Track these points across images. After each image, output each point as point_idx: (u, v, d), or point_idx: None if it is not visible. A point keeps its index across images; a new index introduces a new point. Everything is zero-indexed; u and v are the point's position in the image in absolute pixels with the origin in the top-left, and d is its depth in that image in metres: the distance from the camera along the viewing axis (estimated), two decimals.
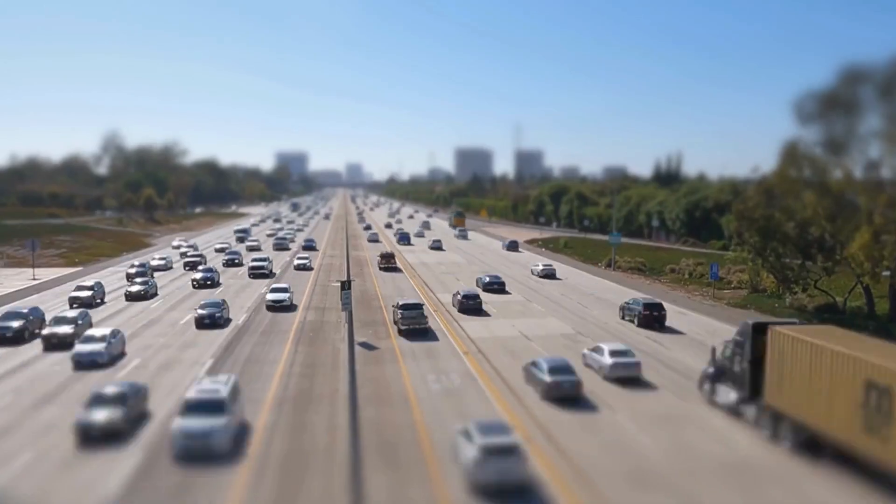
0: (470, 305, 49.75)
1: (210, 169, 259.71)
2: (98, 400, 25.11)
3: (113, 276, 71.04)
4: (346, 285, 41.22)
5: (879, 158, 44.94)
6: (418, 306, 43.75)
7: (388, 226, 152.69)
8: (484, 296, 54.08)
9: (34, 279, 67.82)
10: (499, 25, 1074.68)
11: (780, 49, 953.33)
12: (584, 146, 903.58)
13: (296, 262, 77.69)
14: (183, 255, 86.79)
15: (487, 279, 61.68)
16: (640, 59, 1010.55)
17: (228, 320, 46.15)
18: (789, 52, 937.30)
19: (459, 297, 50.82)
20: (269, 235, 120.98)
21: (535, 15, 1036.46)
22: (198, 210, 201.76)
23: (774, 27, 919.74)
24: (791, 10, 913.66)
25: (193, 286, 61.73)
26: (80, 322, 40.42)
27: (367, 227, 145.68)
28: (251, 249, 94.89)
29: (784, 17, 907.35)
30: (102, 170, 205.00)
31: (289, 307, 50.54)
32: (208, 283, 62.35)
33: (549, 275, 70.65)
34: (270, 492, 20.70)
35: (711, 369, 29.17)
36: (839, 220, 45.84)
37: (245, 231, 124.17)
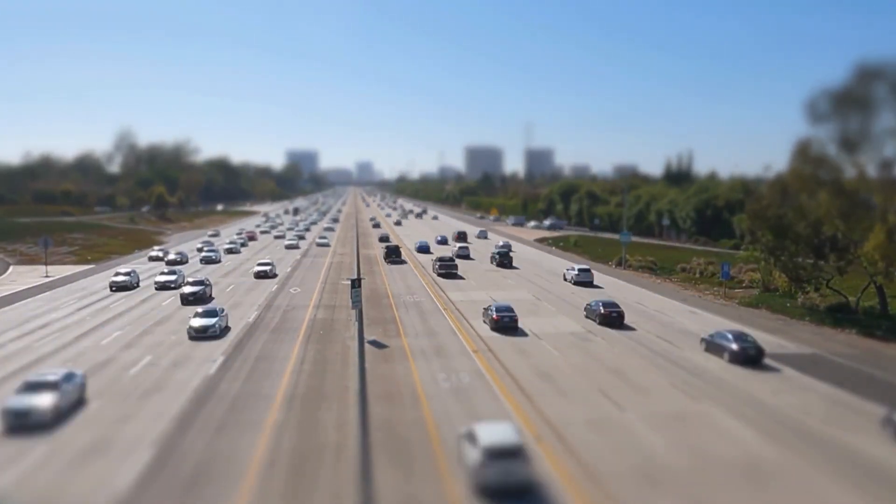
0: None
1: (221, 167, 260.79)
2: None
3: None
4: (355, 283, 41.24)
5: (894, 157, 44.56)
6: None
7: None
8: None
9: (47, 276, 68.32)
10: (509, 25, 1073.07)
11: (791, 48, 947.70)
12: (594, 145, 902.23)
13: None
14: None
15: None
16: (650, 58, 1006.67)
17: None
18: (800, 50, 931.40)
19: None
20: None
21: (544, 14, 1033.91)
22: (200, 208, 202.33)
23: (785, 26, 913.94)
24: (802, 11, 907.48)
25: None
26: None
27: None
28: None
29: (795, 16, 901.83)
30: (114, 168, 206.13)
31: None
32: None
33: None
34: (280, 488, 20.73)
35: None
36: (853, 219, 45.46)
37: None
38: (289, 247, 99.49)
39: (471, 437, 21.38)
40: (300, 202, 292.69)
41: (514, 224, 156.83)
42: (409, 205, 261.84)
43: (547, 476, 21.59)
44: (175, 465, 22.30)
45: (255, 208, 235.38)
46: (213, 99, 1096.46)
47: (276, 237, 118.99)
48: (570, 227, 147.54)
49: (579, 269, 66.47)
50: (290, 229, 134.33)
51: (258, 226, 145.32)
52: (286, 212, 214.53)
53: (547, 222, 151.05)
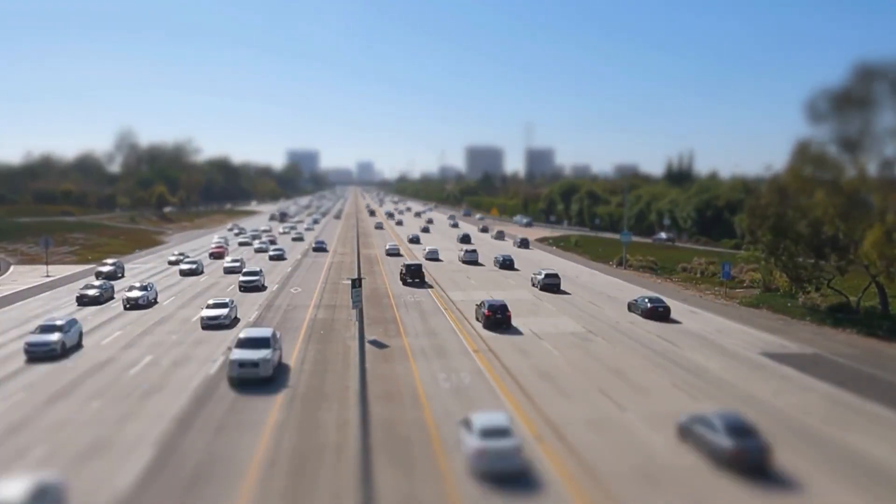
0: None
1: (222, 167, 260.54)
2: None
3: (127, 272, 71.44)
4: (356, 283, 41.24)
5: (894, 156, 44.54)
6: None
7: None
8: None
9: (47, 276, 68.36)
10: (509, 25, 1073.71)
11: (791, 48, 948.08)
12: (595, 144, 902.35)
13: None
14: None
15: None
16: (650, 58, 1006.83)
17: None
18: (800, 50, 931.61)
19: None
20: None
21: (544, 14, 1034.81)
22: (201, 208, 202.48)
23: (785, 26, 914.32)
24: (802, 11, 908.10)
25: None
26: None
27: None
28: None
29: (795, 16, 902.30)
30: (115, 168, 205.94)
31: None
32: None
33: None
34: (280, 488, 20.73)
35: None
36: (851, 219, 45.42)
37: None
38: (207, 325, 43.46)
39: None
40: (287, 205, 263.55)
41: (464, 215, 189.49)
42: (396, 198, 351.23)
43: (547, 476, 21.62)
44: (175, 465, 22.30)
45: (260, 208, 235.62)
46: (213, 99, 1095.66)
47: (227, 270, 71.04)
48: (540, 224, 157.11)
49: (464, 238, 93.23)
50: (259, 250, 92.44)
51: (221, 239, 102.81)
52: (272, 217, 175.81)
53: (524, 220, 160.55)
